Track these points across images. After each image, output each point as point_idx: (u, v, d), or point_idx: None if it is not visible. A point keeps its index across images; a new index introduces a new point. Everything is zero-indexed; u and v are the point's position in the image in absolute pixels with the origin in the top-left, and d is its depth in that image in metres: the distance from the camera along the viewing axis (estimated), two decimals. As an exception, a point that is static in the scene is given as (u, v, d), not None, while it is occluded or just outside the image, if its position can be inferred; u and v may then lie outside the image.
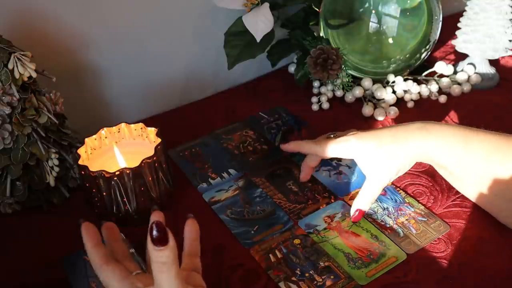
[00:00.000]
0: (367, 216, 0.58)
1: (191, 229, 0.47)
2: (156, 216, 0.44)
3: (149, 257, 0.38)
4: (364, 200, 0.57)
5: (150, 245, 0.37)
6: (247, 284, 0.51)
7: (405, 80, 0.79)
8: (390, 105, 0.76)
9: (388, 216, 0.58)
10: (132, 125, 0.63)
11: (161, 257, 0.37)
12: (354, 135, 0.58)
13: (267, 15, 0.74)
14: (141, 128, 0.62)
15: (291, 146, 0.65)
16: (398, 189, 0.62)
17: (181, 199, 0.63)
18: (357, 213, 0.57)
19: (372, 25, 0.80)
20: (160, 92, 0.83)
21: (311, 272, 0.52)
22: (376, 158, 0.56)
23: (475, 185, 0.55)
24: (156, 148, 0.57)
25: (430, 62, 0.82)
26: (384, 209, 0.59)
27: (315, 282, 0.51)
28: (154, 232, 0.36)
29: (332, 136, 0.61)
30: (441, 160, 0.55)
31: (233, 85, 0.89)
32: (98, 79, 0.76)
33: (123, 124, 0.62)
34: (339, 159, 0.67)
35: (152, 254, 0.37)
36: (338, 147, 0.59)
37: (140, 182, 0.56)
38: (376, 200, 0.60)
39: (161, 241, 0.36)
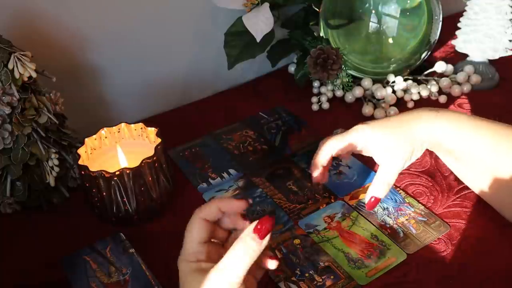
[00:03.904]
0: (367, 216, 0.58)
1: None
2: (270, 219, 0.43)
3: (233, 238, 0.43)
4: (379, 187, 0.56)
5: (249, 229, 0.40)
6: (247, 284, 0.51)
7: (405, 80, 0.79)
8: (390, 105, 0.76)
9: (388, 216, 0.58)
10: (132, 125, 0.62)
11: (250, 241, 0.40)
12: (365, 123, 0.57)
13: (267, 15, 0.74)
14: (141, 128, 0.62)
15: (317, 171, 0.59)
16: (398, 189, 0.62)
17: (181, 199, 0.63)
18: (372, 199, 0.56)
19: (372, 25, 0.80)
20: (160, 92, 0.82)
21: (311, 272, 0.52)
22: (388, 143, 0.55)
23: (480, 174, 0.55)
24: (156, 148, 0.57)
25: (430, 62, 0.82)
26: (384, 209, 0.59)
27: (315, 282, 0.51)
28: (262, 226, 0.40)
29: (338, 131, 0.60)
30: (450, 144, 0.54)
31: (233, 85, 0.89)
32: (98, 79, 0.76)
33: (123, 124, 0.62)
34: (339, 159, 0.67)
35: (245, 237, 0.40)
36: (350, 137, 0.57)
37: (140, 182, 0.56)
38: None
39: (260, 233, 0.40)
